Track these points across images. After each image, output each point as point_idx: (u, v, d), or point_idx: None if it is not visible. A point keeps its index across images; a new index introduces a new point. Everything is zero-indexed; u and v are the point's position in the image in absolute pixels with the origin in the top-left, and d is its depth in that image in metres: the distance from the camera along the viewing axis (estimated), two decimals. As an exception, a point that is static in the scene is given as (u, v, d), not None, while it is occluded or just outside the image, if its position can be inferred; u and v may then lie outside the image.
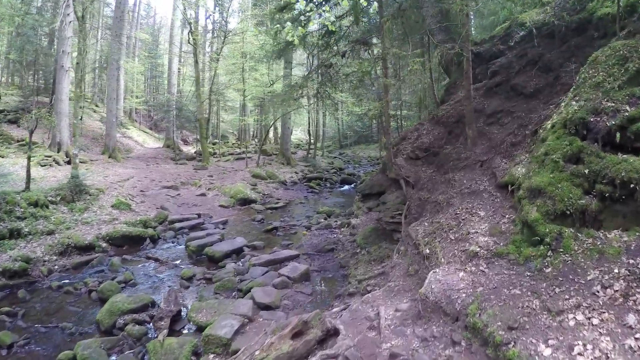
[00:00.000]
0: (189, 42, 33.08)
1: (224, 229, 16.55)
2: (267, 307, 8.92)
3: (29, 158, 15.85)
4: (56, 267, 12.29)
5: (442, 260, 7.43)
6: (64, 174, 20.69)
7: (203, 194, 22.09)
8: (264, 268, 11.35)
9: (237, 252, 13.23)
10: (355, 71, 13.17)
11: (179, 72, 50.03)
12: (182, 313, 9.18)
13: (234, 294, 10.12)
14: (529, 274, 5.99)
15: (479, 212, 8.34)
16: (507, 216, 7.85)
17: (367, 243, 12.12)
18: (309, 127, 37.60)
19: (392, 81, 12.38)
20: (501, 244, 7.02)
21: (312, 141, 39.03)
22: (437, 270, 6.99)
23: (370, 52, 14.15)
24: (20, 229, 13.07)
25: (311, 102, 30.76)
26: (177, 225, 16.47)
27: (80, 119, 35.66)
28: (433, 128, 13.74)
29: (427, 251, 7.99)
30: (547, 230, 6.28)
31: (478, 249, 7.08)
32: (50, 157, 23.75)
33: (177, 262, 12.92)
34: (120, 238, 14.40)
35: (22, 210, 14.01)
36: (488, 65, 13.57)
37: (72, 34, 26.71)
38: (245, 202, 21.01)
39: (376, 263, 10.26)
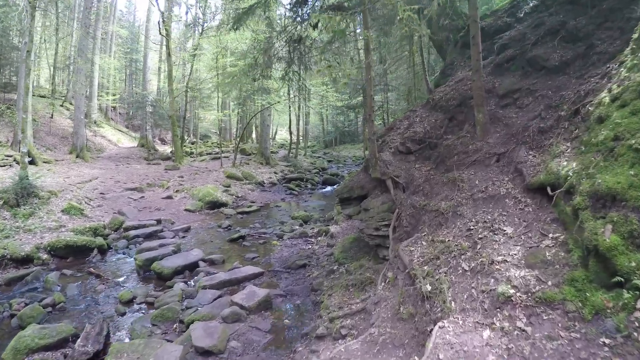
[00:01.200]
0: (160, 33, 31.15)
1: (183, 237, 14.61)
2: (207, 353, 6.76)
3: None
4: (-16, 283, 10.47)
5: (453, 305, 5.08)
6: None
7: (169, 197, 20.18)
8: (216, 291, 9.30)
9: (191, 268, 11.21)
10: (330, 39, 10.99)
11: (159, 69, 48.45)
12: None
13: (174, 326, 8.05)
14: (606, 341, 3.73)
15: (504, 228, 5.93)
16: (550, 235, 5.40)
17: (346, 258, 10.33)
18: (290, 125, 35.61)
19: (373, 56, 10.26)
20: (549, 282, 4.64)
21: (293, 140, 37.12)
22: (446, 323, 4.72)
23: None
24: (-56, 239, 11.12)
25: (287, 95, 29.13)
26: (132, 233, 14.51)
27: (51, 117, 34.99)
28: (428, 114, 11.22)
29: (428, 287, 5.52)
30: (635, 264, 3.99)
31: (511, 291, 4.72)
32: (10, 156, 22.49)
33: (121, 279, 10.99)
34: (63, 249, 12.55)
35: (-45, 216, 12.09)
36: (494, 41, 11.44)
37: (36, 25, 24.81)
38: (215, 205, 19.05)
39: (356, 290, 7.99)
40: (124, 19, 63.25)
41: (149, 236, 14.47)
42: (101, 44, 43.66)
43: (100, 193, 19.52)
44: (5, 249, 11.80)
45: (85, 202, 17.41)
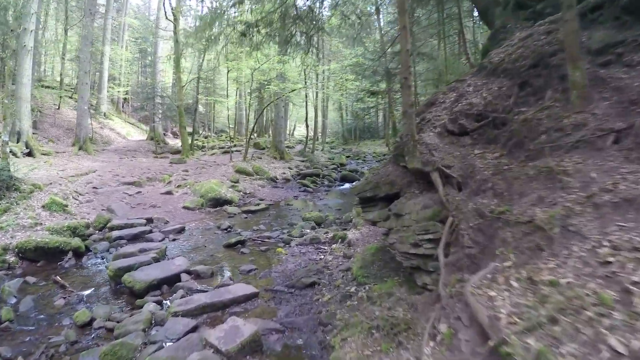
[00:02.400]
0: (166, 18, 29.27)
1: (174, 240, 12.45)
2: None
3: None
4: (-59, 289, 8.87)
5: None
6: (20, 169, 17.01)
7: (169, 192, 18.14)
8: (190, 321, 6.94)
9: (171, 282, 8.98)
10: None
11: (170, 58, 46.88)
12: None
13: (128, 370, 5.96)
14: None
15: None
16: None
17: (367, 276, 8.10)
18: (307, 118, 33.46)
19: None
20: None
21: (310, 134, 34.94)
22: None
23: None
24: None
25: (304, 83, 27.17)
26: (115, 233, 12.47)
27: (57, 108, 33.49)
28: (486, 82, 8.26)
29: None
30: None
31: None
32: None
33: (88, 291, 8.92)
34: (33, 251, 10.72)
35: None
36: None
37: (36, 10, 23.20)
38: (218, 202, 16.92)
39: (384, 338, 5.25)
40: (138, 10, 61.89)
41: (135, 238, 12.44)
42: (113, 35, 42.40)
43: (93, 187, 17.58)
44: None
45: (73, 197, 15.51)
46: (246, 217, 15.42)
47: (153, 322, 7.24)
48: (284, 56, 24.43)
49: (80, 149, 26.12)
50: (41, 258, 10.72)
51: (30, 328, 7.42)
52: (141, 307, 7.85)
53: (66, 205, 14.14)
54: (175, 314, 7.14)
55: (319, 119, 39.27)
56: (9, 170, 13.88)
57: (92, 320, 7.47)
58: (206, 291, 8.37)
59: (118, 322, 7.32)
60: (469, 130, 7.51)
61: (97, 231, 13.17)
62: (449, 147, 7.42)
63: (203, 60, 33.49)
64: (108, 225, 13.35)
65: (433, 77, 20.33)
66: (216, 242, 12.16)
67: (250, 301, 7.97)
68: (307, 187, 21.98)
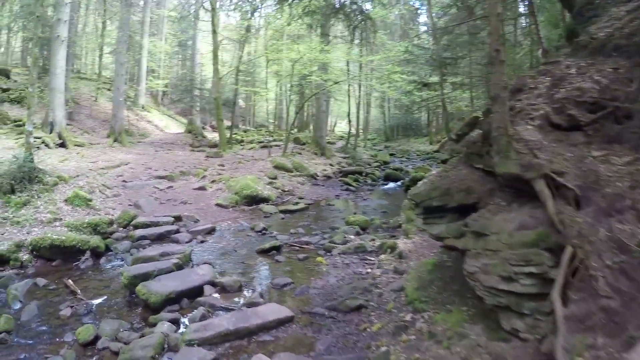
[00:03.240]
0: (202, 7, 28.40)
1: (202, 242, 11.16)
2: None
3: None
4: (-54, 286, 8.12)
5: None
6: (51, 160, 16.83)
7: (202, 188, 16.98)
8: (207, 353, 5.55)
9: (192, 295, 7.63)
10: None
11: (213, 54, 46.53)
12: None
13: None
14: None
15: None
16: None
17: (426, 301, 6.56)
18: (349, 113, 31.96)
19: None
20: None
21: (352, 129, 33.43)
22: None
23: None
24: None
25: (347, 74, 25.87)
26: (139, 232, 11.32)
27: (95, 100, 33.15)
28: (592, 62, 6.41)
29: None
30: None
31: None
32: (39, 138, 20.25)
33: (99, 300, 7.76)
34: (48, 249, 9.68)
35: None
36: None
37: (70, 0, 22.65)
38: (254, 200, 15.58)
39: None
40: (179, 4, 61.57)
41: (159, 238, 11.24)
42: (152, 28, 42.07)
43: (123, 181, 16.65)
44: None
45: (100, 191, 14.54)
46: (283, 218, 14.03)
47: (166, 346, 5.95)
48: (326, 46, 23.26)
49: (115, 140, 25.47)
50: (57, 257, 9.73)
51: (29, 342, 6.41)
52: (154, 325, 6.58)
53: (90, 200, 13.15)
54: (191, 343, 5.77)
55: (362, 114, 37.68)
56: (32, 162, 13.02)
57: (96, 338, 6.31)
58: (231, 309, 7.03)
59: (125, 343, 6.07)
60: (583, 123, 5.76)
61: (120, 228, 12.07)
62: (556, 145, 5.68)
63: (243, 52, 32.31)
64: (133, 222, 12.22)
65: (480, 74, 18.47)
66: (248, 246, 10.80)
67: (283, 327, 6.53)
68: (349, 186, 20.52)
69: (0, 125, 22.17)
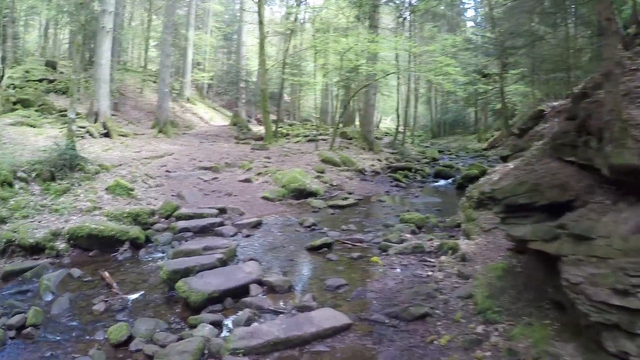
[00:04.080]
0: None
1: (248, 236, 10.47)
2: None
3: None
4: (-19, 273, 7.97)
5: None
6: (95, 149, 16.95)
7: (247, 180, 16.35)
8: None
9: (236, 294, 6.88)
10: None
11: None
12: None
13: None
14: None
15: None
16: None
17: (499, 312, 5.72)
18: (398, 107, 30.90)
19: None
20: None
21: (400, 124, 32.36)
22: None
23: None
24: (-44, 214, 9.14)
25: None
26: (181, 224, 10.76)
27: (140, 92, 33.23)
28: None
29: None
30: None
31: None
32: (84, 128, 20.42)
33: (135, 295, 7.20)
34: (85, 238, 9.36)
35: (-29, 188, 9.41)
36: None
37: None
38: (301, 194, 14.85)
39: None
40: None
41: (203, 230, 10.66)
42: (197, 22, 42.01)
43: (166, 171, 16.19)
44: (15, 232, 9.14)
45: (142, 181, 14.13)
46: (333, 213, 13.18)
47: (206, 352, 5.25)
48: (376, 36, 22.38)
49: (159, 131, 25.28)
50: (94, 247, 9.38)
51: (57, 338, 5.95)
52: (194, 326, 5.88)
53: (132, 189, 12.78)
54: (235, 352, 4.99)
55: (408, 109, 36.52)
56: (74, 149, 12.87)
57: (129, 338, 5.71)
58: (280, 313, 6.27)
59: (161, 346, 5.42)
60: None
61: (162, 219, 11.57)
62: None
63: (290, 44, 31.72)
64: (175, 213, 11.69)
65: (553, 65, 17.23)
66: (297, 242, 10.02)
67: (340, 336, 5.67)
68: (399, 182, 19.52)
69: (46, 115, 22.17)
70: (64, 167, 11.96)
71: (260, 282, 7.26)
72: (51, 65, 28.56)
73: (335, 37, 27.29)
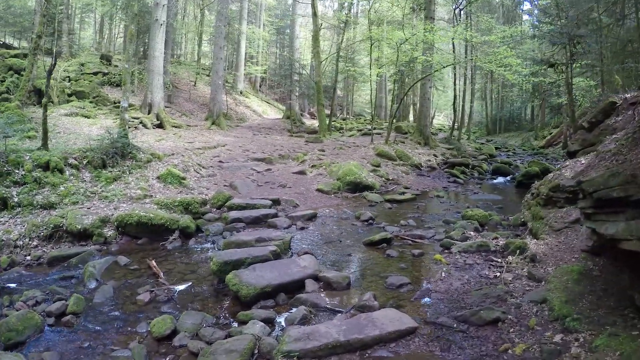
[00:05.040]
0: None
1: (302, 229, 10.02)
2: None
3: (44, 107, 11.67)
4: (28, 257, 8.08)
5: None
6: (147, 139, 17.29)
7: (301, 172, 15.97)
8: None
9: (291, 289, 6.44)
10: None
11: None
12: None
13: None
14: None
15: None
16: None
17: (578, 319, 5.06)
18: (455, 102, 29.87)
19: None
20: None
21: (456, 119, 31.34)
22: None
23: None
24: (7, 198, 9.20)
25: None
26: (233, 214, 10.42)
27: (194, 85, 33.53)
28: None
29: None
30: None
31: None
32: (137, 118, 21.02)
33: (183, 286, 6.86)
34: (134, 226, 9.23)
35: (24, 173, 9.89)
36: None
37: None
38: (357, 187, 14.32)
39: None
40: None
41: (255, 222, 10.31)
42: (250, 17, 42.25)
43: (219, 161, 16.04)
44: (64, 217, 9.09)
45: (195, 170, 13.95)
46: (390, 208, 12.56)
47: (256, 352, 4.78)
48: (433, 27, 21.55)
49: (213, 123, 25.39)
50: (143, 235, 9.26)
51: (97, 328, 5.68)
52: (244, 323, 5.44)
53: (184, 178, 12.60)
54: (290, 355, 4.48)
55: (466, 105, 35.36)
56: (126, 137, 12.93)
57: (173, 332, 5.35)
58: (338, 312, 5.77)
59: (207, 343, 5.03)
60: None
61: (213, 209, 11.33)
62: None
63: (343, 37, 31.16)
64: (227, 203, 11.37)
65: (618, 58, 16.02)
66: (354, 237, 9.49)
67: (404, 340, 5.08)
68: (456, 178, 18.70)
69: (100, 106, 22.74)
70: (115, 155, 11.92)
71: (316, 278, 6.77)
72: (106, 58, 29.09)
73: (390, 29, 26.62)
